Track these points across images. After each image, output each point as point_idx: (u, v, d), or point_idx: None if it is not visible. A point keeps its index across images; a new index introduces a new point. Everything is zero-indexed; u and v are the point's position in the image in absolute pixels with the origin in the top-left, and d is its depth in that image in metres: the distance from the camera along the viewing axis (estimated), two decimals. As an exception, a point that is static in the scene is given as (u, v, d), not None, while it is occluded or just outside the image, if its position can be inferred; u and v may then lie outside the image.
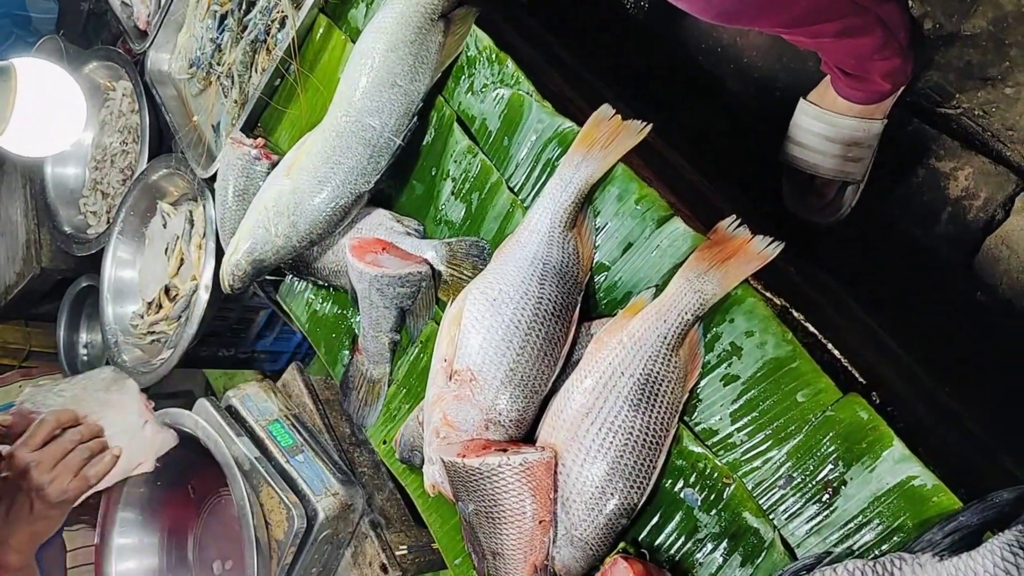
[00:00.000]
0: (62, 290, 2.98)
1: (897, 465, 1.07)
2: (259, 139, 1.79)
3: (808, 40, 1.47)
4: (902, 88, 1.60)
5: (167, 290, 2.21)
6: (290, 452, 1.78)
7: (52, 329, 3.07)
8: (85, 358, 3.04)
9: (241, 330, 2.33)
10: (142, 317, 2.25)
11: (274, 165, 1.70)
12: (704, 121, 1.93)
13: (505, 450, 1.24)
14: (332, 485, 1.73)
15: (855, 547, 1.09)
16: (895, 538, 1.06)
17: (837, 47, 1.48)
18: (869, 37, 1.45)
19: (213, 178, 1.97)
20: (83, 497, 1.49)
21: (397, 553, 1.74)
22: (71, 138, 1.71)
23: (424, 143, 1.60)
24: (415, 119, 1.54)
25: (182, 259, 2.18)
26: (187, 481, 2.00)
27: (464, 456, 1.25)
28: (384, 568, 1.74)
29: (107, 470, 1.51)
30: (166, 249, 2.24)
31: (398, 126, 1.53)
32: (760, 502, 1.16)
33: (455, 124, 1.55)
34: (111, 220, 2.37)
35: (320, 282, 1.72)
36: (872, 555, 1.07)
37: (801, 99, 1.67)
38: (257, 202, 1.63)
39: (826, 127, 1.62)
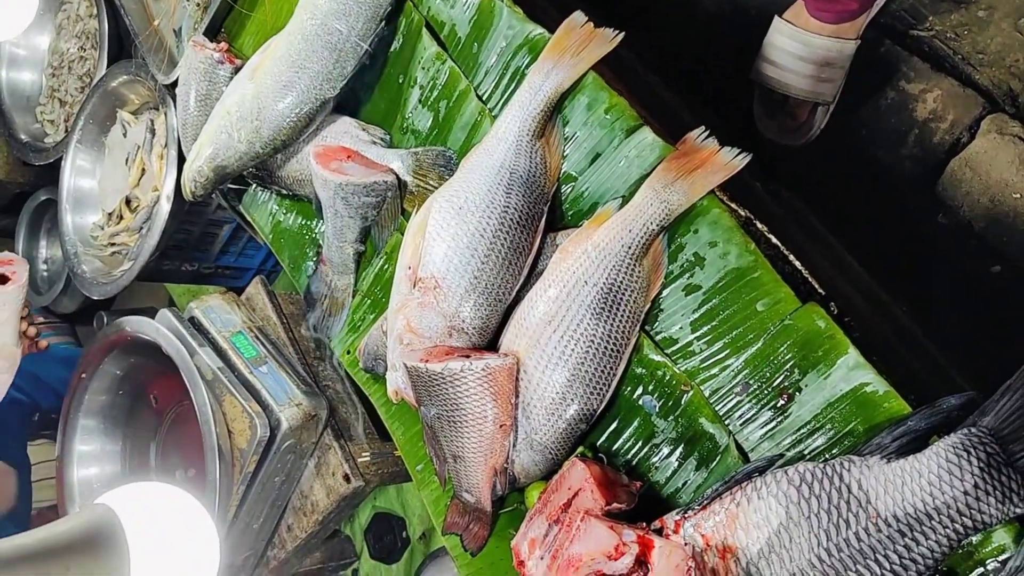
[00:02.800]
0: (20, 204, 2.92)
1: (851, 372, 1.09)
2: (222, 43, 1.74)
3: None
4: (874, 8, 1.59)
5: (128, 201, 2.17)
6: (253, 363, 1.78)
7: (11, 245, 3.02)
8: (45, 273, 3.00)
9: (205, 245, 2.29)
10: (102, 228, 2.21)
11: (237, 70, 1.65)
12: (676, 38, 1.90)
13: (468, 356, 1.25)
14: (296, 396, 1.73)
15: (807, 451, 1.12)
16: (846, 442, 1.09)
17: None
18: None
19: (175, 85, 1.91)
20: None
21: (359, 461, 1.75)
22: (23, 22, 1.63)
23: (392, 50, 1.57)
24: (383, 24, 1.50)
25: (143, 169, 2.13)
26: (149, 391, 1.99)
27: (427, 361, 1.25)
28: (347, 478, 1.76)
29: None
30: (127, 159, 2.18)
31: (365, 30, 1.49)
32: (717, 409, 1.18)
33: (424, 29, 1.51)
34: (69, 128, 2.30)
35: (284, 191, 1.69)
36: (823, 459, 1.10)
37: (776, 17, 1.65)
38: (220, 107, 1.59)
39: (800, 46, 1.61)
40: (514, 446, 1.26)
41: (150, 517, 0.82)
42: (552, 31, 1.34)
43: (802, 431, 1.12)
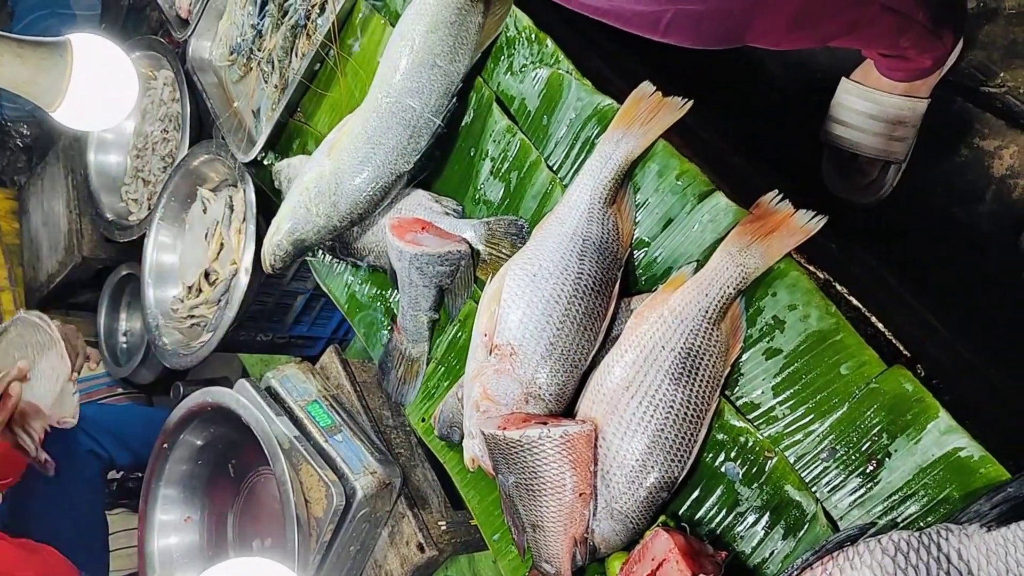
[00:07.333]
0: (101, 280, 3.04)
1: (943, 436, 1.06)
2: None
3: (818, 42, 1.42)
4: (946, 64, 1.58)
5: (207, 274, 2.24)
6: (329, 432, 1.80)
7: (92, 318, 3.13)
8: (124, 345, 3.10)
9: (279, 315, 2.35)
10: (182, 301, 2.28)
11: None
12: (741, 102, 1.92)
13: (545, 423, 1.25)
14: (370, 464, 1.74)
15: (899, 519, 1.08)
16: (941, 510, 1.06)
17: (853, 41, 1.45)
18: (880, 27, 1.40)
19: (253, 162, 2.00)
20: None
21: (433, 532, 1.75)
22: (125, 111, 1.74)
23: (463, 124, 1.61)
24: (455, 100, 1.55)
25: (222, 244, 2.21)
26: (227, 460, 2.02)
27: (505, 429, 1.25)
28: (421, 547, 1.75)
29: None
30: (206, 234, 2.27)
31: (438, 107, 1.54)
32: (802, 475, 1.16)
33: (494, 104, 1.56)
34: (152, 206, 2.41)
35: (359, 263, 1.73)
36: (917, 526, 1.06)
37: (844, 78, 1.65)
38: (298, 183, 1.65)
39: (871, 105, 1.61)
40: (594, 515, 1.24)
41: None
42: (620, 102, 1.37)
43: (894, 498, 1.09)
